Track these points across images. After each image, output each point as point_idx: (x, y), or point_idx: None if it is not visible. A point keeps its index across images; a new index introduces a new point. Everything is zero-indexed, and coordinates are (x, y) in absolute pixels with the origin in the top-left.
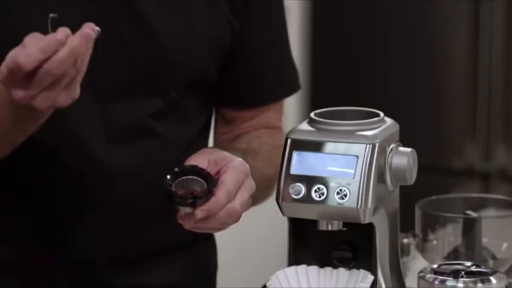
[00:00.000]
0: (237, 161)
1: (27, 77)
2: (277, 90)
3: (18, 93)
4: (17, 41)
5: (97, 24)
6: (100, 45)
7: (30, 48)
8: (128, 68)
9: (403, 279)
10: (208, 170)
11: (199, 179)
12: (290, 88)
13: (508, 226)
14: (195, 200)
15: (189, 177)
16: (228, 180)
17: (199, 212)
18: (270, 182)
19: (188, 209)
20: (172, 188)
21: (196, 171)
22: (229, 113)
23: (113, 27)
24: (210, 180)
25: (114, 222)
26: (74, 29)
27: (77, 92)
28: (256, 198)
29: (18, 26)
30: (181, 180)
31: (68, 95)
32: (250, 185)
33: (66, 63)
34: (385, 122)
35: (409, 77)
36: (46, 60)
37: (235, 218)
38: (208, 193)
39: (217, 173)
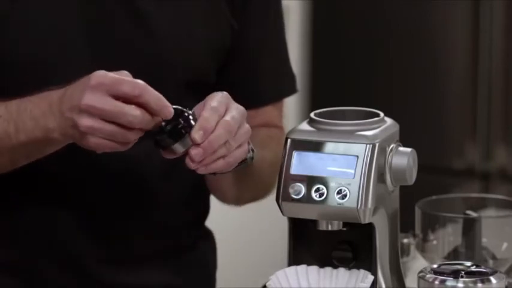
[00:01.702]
0: (217, 92)
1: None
2: (273, 92)
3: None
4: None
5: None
6: (99, 44)
7: (149, 89)
8: (127, 67)
9: (403, 279)
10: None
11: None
12: (286, 90)
13: (508, 226)
14: (184, 124)
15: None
16: (209, 101)
17: (195, 133)
18: (272, 167)
19: (181, 145)
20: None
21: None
22: None
23: (112, 27)
24: (190, 113)
25: (114, 222)
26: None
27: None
28: (259, 183)
29: (19, 24)
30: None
31: (99, 147)
32: (237, 106)
33: (136, 120)
34: (385, 122)
35: (409, 77)
36: (137, 104)
37: (234, 133)
38: (193, 117)
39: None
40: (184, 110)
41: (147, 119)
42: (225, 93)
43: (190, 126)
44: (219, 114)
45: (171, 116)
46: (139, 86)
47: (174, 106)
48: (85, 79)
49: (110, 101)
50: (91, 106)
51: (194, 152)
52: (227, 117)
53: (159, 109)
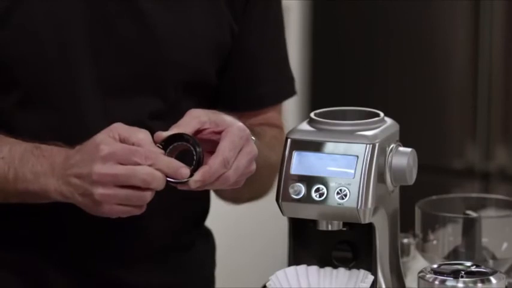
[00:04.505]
0: (237, 126)
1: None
2: (272, 96)
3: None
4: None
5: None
6: (101, 43)
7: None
8: (128, 67)
9: (403, 279)
10: (207, 129)
11: (186, 144)
12: (285, 93)
13: (508, 226)
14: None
15: (176, 144)
16: (224, 148)
17: (193, 183)
18: (273, 169)
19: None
20: None
21: (182, 138)
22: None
23: (114, 27)
24: (196, 145)
25: (114, 222)
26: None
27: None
28: (259, 185)
29: (20, 24)
30: (169, 149)
31: (113, 213)
32: (249, 150)
33: (150, 178)
34: (385, 122)
35: (409, 77)
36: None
37: (227, 184)
38: (198, 162)
39: (215, 133)
40: (197, 143)
41: (159, 176)
42: (246, 132)
43: (193, 165)
44: (225, 166)
45: (187, 176)
46: (151, 156)
47: (190, 136)
48: (92, 145)
49: (121, 166)
50: (103, 175)
51: (181, 186)
52: (230, 172)
53: (173, 172)
